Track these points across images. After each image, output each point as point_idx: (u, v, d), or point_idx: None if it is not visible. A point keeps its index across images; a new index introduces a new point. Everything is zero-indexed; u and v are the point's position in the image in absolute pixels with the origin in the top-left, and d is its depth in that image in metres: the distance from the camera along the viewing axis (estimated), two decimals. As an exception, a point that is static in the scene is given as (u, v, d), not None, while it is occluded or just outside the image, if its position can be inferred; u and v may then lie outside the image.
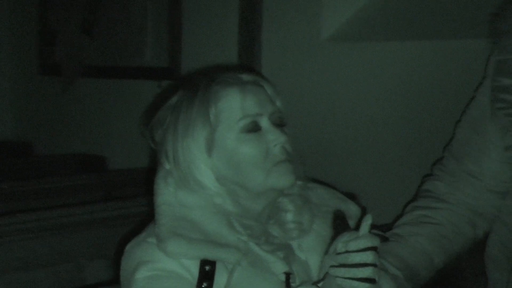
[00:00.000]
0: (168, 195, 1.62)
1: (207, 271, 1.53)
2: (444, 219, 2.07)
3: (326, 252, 1.59)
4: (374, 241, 1.52)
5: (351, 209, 1.80)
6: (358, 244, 1.50)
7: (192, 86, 1.66)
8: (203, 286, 1.52)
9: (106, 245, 2.71)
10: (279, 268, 1.59)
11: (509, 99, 1.99)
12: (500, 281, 2.08)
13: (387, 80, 2.81)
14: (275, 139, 1.59)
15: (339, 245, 1.53)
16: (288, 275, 1.58)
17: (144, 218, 1.74)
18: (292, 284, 1.57)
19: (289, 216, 1.69)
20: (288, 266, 1.61)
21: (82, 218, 2.67)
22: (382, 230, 1.80)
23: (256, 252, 1.58)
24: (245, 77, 1.67)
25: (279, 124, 1.64)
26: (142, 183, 3.43)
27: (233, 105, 1.60)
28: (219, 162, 1.61)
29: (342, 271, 1.49)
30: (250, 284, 1.53)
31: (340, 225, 1.63)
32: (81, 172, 3.92)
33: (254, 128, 1.59)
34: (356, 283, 1.48)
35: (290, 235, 1.69)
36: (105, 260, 2.69)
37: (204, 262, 1.53)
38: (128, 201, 2.86)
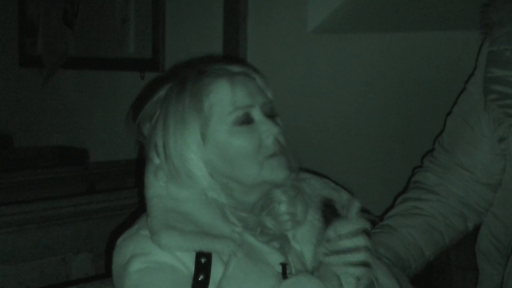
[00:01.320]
0: (159, 188, 1.60)
1: (202, 263, 1.51)
2: (435, 211, 2.07)
3: (318, 242, 1.59)
4: (364, 225, 1.53)
5: (344, 198, 1.80)
6: (348, 229, 1.51)
7: (181, 79, 1.64)
8: (199, 279, 1.50)
9: (92, 239, 2.70)
10: (275, 259, 1.58)
11: (502, 90, 1.99)
12: (492, 275, 2.09)
13: (375, 72, 2.80)
14: (268, 131, 1.58)
15: (330, 233, 1.53)
16: (284, 266, 1.57)
17: (134, 212, 1.72)
18: (289, 275, 1.56)
19: (283, 208, 1.68)
20: (284, 257, 1.60)
21: (67, 211, 2.64)
22: (371, 215, 1.80)
23: (251, 243, 1.57)
24: (235, 68, 1.66)
25: (271, 115, 1.63)
26: (126, 175, 3.42)
27: (224, 98, 1.58)
28: (211, 155, 1.59)
29: (336, 259, 1.50)
30: (246, 275, 1.52)
31: (329, 214, 1.64)
32: (63, 165, 3.88)
33: (246, 121, 1.58)
34: (350, 268, 1.49)
35: (284, 226, 1.68)
36: (90, 254, 2.67)
37: (199, 255, 1.52)
38: (113, 194, 2.84)
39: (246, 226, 1.60)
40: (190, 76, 1.63)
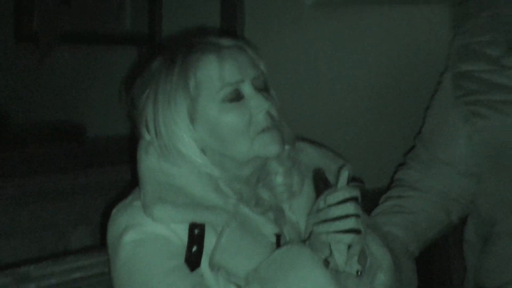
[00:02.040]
0: (150, 162, 1.60)
1: (196, 234, 1.52)
2: (416, 207, 2.07)
3: (310, 212, 1.60)
4: (353, 192, 1.52)
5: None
6: (337, 197, 1.51)
7: (171, 54, 1.63)
8: (193, 250, 1.51)
9: (90, 212, 2.70)
10: (270, 229, 1.59)
11: (468, 86, 1.99)
12: (475, 266, 2.11)
13: (373, 46, 2.79)
14: (259, 106, 1.57)
15: (321, 202, 1.54)
16: (278, 237, 1.58)
17: (128, 185, 1.72)
18: (282, 245, 1.57)
19: (279, 179, 1.68)
20: (279, 228, 1.60)
21: (64, 185, 2.65)
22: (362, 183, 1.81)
23: (246, 214, 1.58)
24: (225, 42, 1.64)
25: (263, 88, 1.62)
26: (124, 150, 3.41)
27: (213, 74, 1.57)
28: (202, 133, 1.59)
29: (325, 226, 1.50)
30: (240, 246, 1.52)
31: (320, 184, 1.63)
32: (60, 140, 3.87)
33: (236, 97, 1.57)
34: (340, 235, 1.49)
35: (280, 198, 1.69)
36: (89, 227, 2.68)
37: (193, 226, 1.52)
38: (111, 168, 2.84)
39: (240, 198, 1.61)
40: (180, 51, 1.62)
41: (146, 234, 1.52)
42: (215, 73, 1.57)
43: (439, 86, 2.13)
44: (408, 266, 1.89)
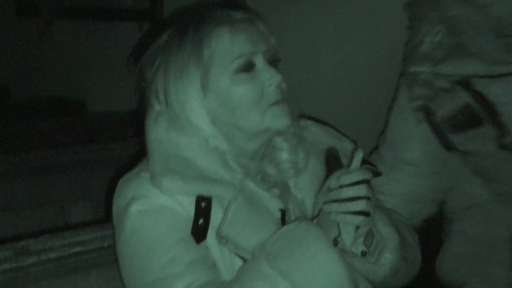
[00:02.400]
0: (159, 133, 1.60)
1: (202, 207, 1.53)
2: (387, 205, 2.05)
3: (319, 190, 1.60)
4: (366, 175, 1.52)
5: (346, 147, 1.81)
6: (350, 178, 1.51)
7: (182, 26, 1.62)
8: (199, 222, 1.52)
9: (90, 188, 2.70)
10: (275, 205, 1.60)
11: (415, 89, 1.98)
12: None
13: (377, 20, 2.77)
14: (271, 79, 1.57)
15: (332, 182, 1.54)
16: (283, 212, 1.58)
17: (134, 158, 1.72)
18: (288, 221, 1.58)
19: (284, 155, 1.69)
20: (284, 204, 1.61)
21: (65, 160, 2.65)
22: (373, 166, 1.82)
23: (252, 190, 1.58)
24: (237, 15, 1.63)
25: (274, 61, 1.61)
26: (124, 126, 3.41)
27: (226, 46, 1.56)
28: (214, 103, 1.59)
29: (336, 206, 1.50)
30: (246, 220, 1.52)
31: (332, 163, 1.64)
32: (61, 115, 3.87)
33: (248, 68, 1.57)
34: (350, 216, 1.49)
35: (286, 174, 1.69)
36: (89, 203, 2.68)
37: (199, 199, 1.53)
38: (112, 143, 2.84)
39: (247, 173, 1.61)
40: (192, 22, 1.61)
41: (153, 206, 1.52)
42: (228, 44, 1.56)
43: (398, 87, 2.11)
44: (413, 245, 1.89)
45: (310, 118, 1.83)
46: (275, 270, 1.44)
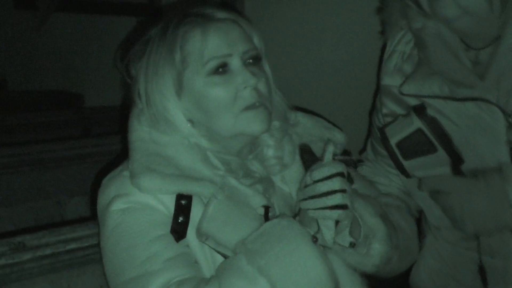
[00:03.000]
0: (142, 132, 1.61)
1: (183, 205, 1.53)
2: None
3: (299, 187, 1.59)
4: (339, 167, 1.51)
5: (336, 137, 1.81)
6: (322, 173, 1.50)
7: (164, 25, 1.63)
8: (179, 220, 1.52)
9: (86, 182, 2.70)
10: (258, 201, 1.58)
11: (387, 104, 1.98)
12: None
13: (369, 19, 2.76)
14: (245, 81, 1.56)
15: (307, 178, 1.53)
16: (267, 209, 1.58)
17: (119, 155, 1.73)
18: (271, 218, 1.57)
19: (270, 152, 1.69)
20: (267, 200, 1.60)
21: (61, 154, 2.65)
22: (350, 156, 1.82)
23: (234, 186, 1.57)
24: (218, 14, 1.63)
25: (254, 63, 1.61)
26: (120, 120, 3.41)
27: (200, 47, 1.57)
28: (189, 104, 1.60)
29: (312, 203, 1.49)
30: (227, 217, 1.53)
31: (307, 159, 1.63)
32: (58, 109, 3.87)
33: (221, 70, 1.56)
34: (327, 212, 1.48)
35: (272, 170, 1.69)
36: (85, 197, 2.68)
37: (180, 197, 1.53)
38: (108, 137, 2.84)
39: (229, 169, 1.61)
40: (173, 21, 1.61)
41: (133, 204, 1.53)
42: (202, 46, 1.56)
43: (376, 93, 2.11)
44: (407, 230, 1.88)
45: (299, 108, 1.83)
46: (253, 266, 1.44)
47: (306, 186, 1.52)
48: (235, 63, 1.57)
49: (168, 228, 1.52)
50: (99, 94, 3.99)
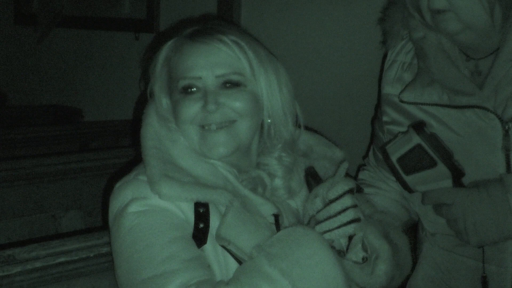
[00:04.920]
0: (156, 141, 1.65)
1: (201, 213, 1.56)
2: (380, 205, 2.05)
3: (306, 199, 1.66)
4: (350, 184, 1.59)
5: (336, 154, 1.86)
6: (336, 191, 1.57)
7: (165, 41, 1.73)
8: (199, 227, 1.55)
9: (81, 196, 2.71)
10: (268, 210, 1.64)
11: (389, 113, 1.99)
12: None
13: (365, 31, 2.77)
14: (203, 106, 1.62)
15: (317, 200, 1.59)
16: (277, 217, 1.63)
17: (128, 164, 1.75)
18: (281, 226, 1.62)
19: (278, 182, 1.74)
20: (277, 208, 1.65)
21: (57, 168, 2.65)
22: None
23: (245, 195, 1.63)
24: (207, 37, 1.66)
25: (231, 86, 1.65)
26: (119, 135, 3.43)
27: (177, 66, 1.66)
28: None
29: (328, 224, 1.56)
30: (244, 224, 1.56)
31: (312, 181, 1.70)
32: (57, 124, 3.89)
33: (190, 91, 1.64)
34: (343, 229, 1.56)
35: (280, 197, 1.73)
36: (80, 211, 2.69)
37: (197, 205, 1.56)
38: (104, 152, 2.84)
39: (238, 179, 1.67)
40: (170, 40, 1.72)
41: (151, 207, 1.55)
42: (177, 65, 1.66)
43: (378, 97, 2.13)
44: (403, 248, 1.89)
45: (299, 126, 1.85)
46: (275, 268, 1.46)
47: (318, 211, 1.59)
48: (204, 85, 1.64)
49: (185, 231, 1.55)
50: (98, 109, 4.00)
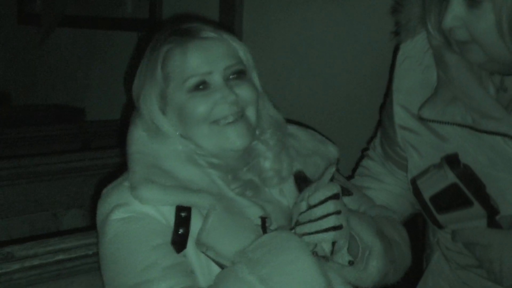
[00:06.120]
0: (141, 145, 1.65)
1: (183, 217, 1.56)
2: (377, 200, 2.02)
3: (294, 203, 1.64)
4: (334, 189, 1.55)
5: (330, 151, 1.85)
6: (318, 197, 1.54)
7: (153, 41, 1.71)
8: (179, 232, 1.55)
9: (82, 195, 2.72)
10: (255, 212, 1.62)
11: (400, 113, 1.94)
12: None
13: (373, 32, 2.77)
14: (223, 98, 1.62)
15: (303, 203, 1.58)
16: (263, 219, 1.61)
17: (119, 168, 1.75)
18: (268, 228, 1.60)
19: (267, 164, 1.73)
20: (264, 210, 1.63)
21: (58, 167, 2.67)
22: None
23: (230, 197, 1.61)
24: (202, 32, 1.67)
25: (237, 77, 1.66)
26: (121, 134, 3.42)
27: (181, 65, 1.63)
28: (173, 119, 1.66)
29: (307, 227, 1.53)
30: (225, 228, 1.55)
31: (302, 185, 1.68)
32: (59, 123, 3.89)
33: (202, 87, 1.62)
34: (322, 234, 1.52)
35: (269, 182, 1.72)
36: (81, 210, 2.70)
37: (179, 209, 1.56)
38: (105, 151, 2.85)
39: (226, 181, 1.65)
40: (159, 39, 1.69)
41: (134, 213, 1.55)
42: (180, 65, 1.63)
43: (387, 91, 2.07)
44: (401, 243, 1.86)
45: (294, 122, 1.86)
46: (254, 275, 1.46)
47: (301, 213, 1.56)
48: (215, 79, 1.63)
49: (166, 237, 1.55)
50: (100, 108, 4.01)
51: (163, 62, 1.65)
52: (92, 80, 4.08)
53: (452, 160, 1.77)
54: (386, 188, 2.05)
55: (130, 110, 1.76)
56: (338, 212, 1.53)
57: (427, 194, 1.82)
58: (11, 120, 3.89)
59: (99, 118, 3.89)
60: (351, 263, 1.60)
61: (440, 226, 1.86)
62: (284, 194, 1.74)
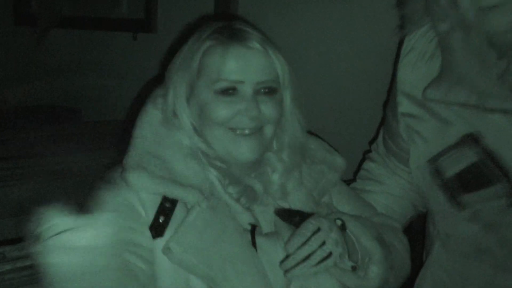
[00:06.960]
0: (147, 127, 1.67)
1: (166, 207, 1.57)
2: (378, 202, 2.05)
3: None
4: (314, 225, 1.59)
5: (337, 161, 1.86)
6: (296, 243, 1.58)
7: (201, 31, 1.70)
8: (160, 220, 1.56)
9: (77, 196, 2.70)
10: (245, 219, 1.64)
11: (404, 103, 1.93)
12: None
13: (372, 29, 2.76)
14: (247, 110, 1.62)
15: (288, 248, 1.60)
16: (253, 227, 1.62)
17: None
18: (257, 236, 1.62)
19: (275, 177, 1.73)
20: (255, 219, 1.65)
21: (56, 168, 2.66)
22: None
23: (221, 198, 1.63)
24: (250, 41, 1.65)
25: (268, 93, 1.65)
26: (117, 135, 3.42)
27: (217, 66, 1.62)
28: (193, 110, 1.66)
29: (300, 269, 1.57)
30: (206, 226, 1.56)
31: (286, 220, 1.69)
32: (56, 124, 3.89)
33: (228, 93, 1.62)
34: (314, 268, 1.57)
35: (273, 195, 1.73)
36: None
37: (165, 199, 1.57)
38: (99, 152, 2.85)
39: (223, 181, 1.66)
40: (206, 32, 1.68)
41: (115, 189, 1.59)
42: (218, 65, 1.62)
43: (391, 87, 2.06)
44: (400, 250, 1.86)
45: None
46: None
47: (284, 259, 1.59)
48: (245, 90, 1.63)
49: (135, 223, 1.56)
50: (97, 109, 4.01)
51: (202, 56, 1.64)
52: (89, 81, 4.08)
53: (473, 138, 1.76)
54: (387, 190, 2.05)
55: (135, 110, 1.76)
56: (322, 244, 1.56)
57: (451, 172, 1.80)
58: (7, 121, 3.88)
59: (95, 119, 3.90)
60: (353, 268, 1.61)
61: (459, 208, 1.83)
62: (289, 204, 1.75)
